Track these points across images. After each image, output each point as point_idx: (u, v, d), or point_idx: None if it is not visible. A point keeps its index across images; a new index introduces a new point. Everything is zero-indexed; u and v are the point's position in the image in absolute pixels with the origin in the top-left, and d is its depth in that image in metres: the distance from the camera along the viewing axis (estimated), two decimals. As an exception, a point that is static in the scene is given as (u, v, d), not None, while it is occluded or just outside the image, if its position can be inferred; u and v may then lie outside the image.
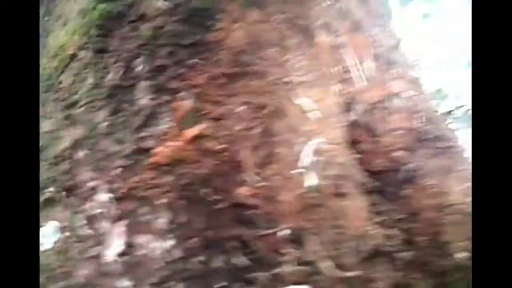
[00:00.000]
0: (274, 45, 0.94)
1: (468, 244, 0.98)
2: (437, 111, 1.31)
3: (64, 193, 0.83)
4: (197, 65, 0.84)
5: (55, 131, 0.89)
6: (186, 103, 0.81)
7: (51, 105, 0.92)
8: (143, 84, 0.84)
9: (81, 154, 0.84)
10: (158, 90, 0.83)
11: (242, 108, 0.82)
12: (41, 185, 0.86)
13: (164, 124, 0.80)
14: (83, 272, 0.77)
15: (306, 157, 0.85)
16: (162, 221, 0.75)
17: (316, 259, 0.74)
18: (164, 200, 0.75)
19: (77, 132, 0.86)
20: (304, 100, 0.91)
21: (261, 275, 0.71)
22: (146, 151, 0.79)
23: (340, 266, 0.77)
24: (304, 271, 0.71)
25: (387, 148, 1.10)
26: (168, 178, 0.76)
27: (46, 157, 0.88)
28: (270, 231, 0.75)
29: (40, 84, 0.98)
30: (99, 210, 0.79)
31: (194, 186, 0.76)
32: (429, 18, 5.78)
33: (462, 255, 0.96)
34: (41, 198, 0.84)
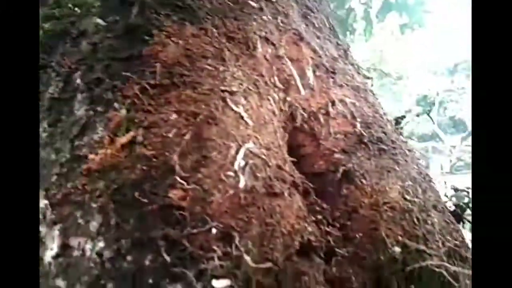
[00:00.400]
0: (210, 58, 1.00)
1: (402, 239, 1.03)
2: (383, 115, 1.38)
3: (5, 201, 0.86)
4: (131, 77, 0.89)
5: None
6: (120, 113, 0.85)
7: (-2, 119, 0.97)
8: (80, 96, 0.89)
9: (22, 164, 0.88)
10: (94, 101, 0.88)
11: (174, 116, 0.87)
12: (-16, 195, 0.90)
13: (99, 133, 0.85)
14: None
15: (239, 160, 0.90)
16: (94, 224, 0.79)
17: (243, 254, 0.78)
18: (96, 204, 0.79)
19: (19, 143, 0.90)
20: (239, 108, 0.97)
21: (188, 272, 0.75)
22: (80, 158, 0.83)
23: (269, 261, 0.81)
24: (229, 265, 0.75)
25: (328, 151, 1.16)
26: (100, 184, 0.80)
27: (-9, 168, 0.92)
28: (198, 229, 0.79)
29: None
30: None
31: (124, 190, 0.80)
32: (406, 28, 5.92)
33: (398, 249, 1.01)
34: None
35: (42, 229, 0.82)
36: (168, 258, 0.76)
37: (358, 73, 1.47)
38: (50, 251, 0.80)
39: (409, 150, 1.33)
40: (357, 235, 1.04)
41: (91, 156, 0.83)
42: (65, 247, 0.79)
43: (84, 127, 0.86)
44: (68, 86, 0.91)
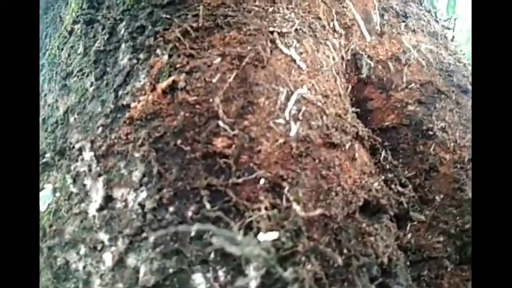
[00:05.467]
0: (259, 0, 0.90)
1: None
2: (469, 65, 1.17)
3: (57, 156, 0.86)
4: (173, 21, 0.83)
5: (55, 102, 0.94)
6: (161, 59, 0.80)
7: (53, 80, 0.97)
8: (124, 46, 0.85)
9: (72, 119, 0.87)
10: (137, 49, 0.83)
11: (218, 60, 0.80)
12: (41, 152, 0.91)
13: (141, 81, 0.80)
14: (70, 228, 0.79)
15: (291, 106, 0.80)
16: (136, 174, 0.74)
17: (293, 205, 0.68)
18: (139, 154, 0.75)
19: (70, 99, 0.89)
20: (291, 50, 0.86)
21: (233, 224, 0.67)
22: (124, 108, 0.80)
23: (326, 217, 0.70)
24: (278, 216, 0.66)
25: (400, 103, 1.00)
26: (142, 132, 0.75)
27: (46, 126, 0.93)
28: (244, 179, 0.70)
29: (47, 63, 1.04)
30: (83, 169, 0.80)
31: (167, 138, 0.74)
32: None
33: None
34: (40, 163, 0.89)
35: (88, 182, 0.80)
36: (212, 209, 0.68)
37: (436, 21, 1.27)
38: (94, 204, 0.77)
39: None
40: (436, 197, 0.88)
41: (133, 104, 0.78)
42: (108, 199, 0.76)
43: (127, 76, 0.82)
44: (112, 37, 0.88)
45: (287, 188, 0.69)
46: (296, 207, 0.64)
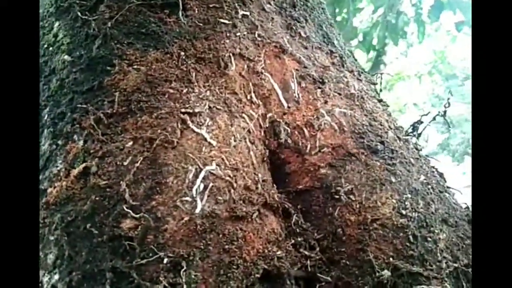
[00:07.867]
0: (175, 81, 0.99)
1: (393, 260, 0.92)
2: (387, 122, 1.27)
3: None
4: (90, 108, 0.90)
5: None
6: (77, 144, 0.87)
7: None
8: (46, 131, 0.92)
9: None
10: (56, 135, 0.90)
11: (130, 144, 0.87)
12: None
13: (58, 166, 0.87)
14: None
15: (198, 183, 0.87)
16: (50, 257, 0.80)
17: (193, 286, 0.74)
18: (53, 237, 0.81)
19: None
20: (202, 129, 0.94)
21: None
22: (43, 192, 0.86)
23: (224, 292, 0.77)
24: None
25: (313, 167, 1.08)
26: (56, 217, 0.82)
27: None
28: (147, 260, 0.76)
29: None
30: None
31: (78, 222, 0.80)
32: (463, 25, 5.52)
33: (387, 272, 0.91)
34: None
35: (9, 263, 0.85)
36: (115, 291, 0.74)
37: (359, 79, 1.38)
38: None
39: (417, 159, 1.21)
40: (342, 258, 0.95)
41: (49, 190, 0.85)
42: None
43: (47, 161, 0.89)
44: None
45: (184, 268, 0.75)
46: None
